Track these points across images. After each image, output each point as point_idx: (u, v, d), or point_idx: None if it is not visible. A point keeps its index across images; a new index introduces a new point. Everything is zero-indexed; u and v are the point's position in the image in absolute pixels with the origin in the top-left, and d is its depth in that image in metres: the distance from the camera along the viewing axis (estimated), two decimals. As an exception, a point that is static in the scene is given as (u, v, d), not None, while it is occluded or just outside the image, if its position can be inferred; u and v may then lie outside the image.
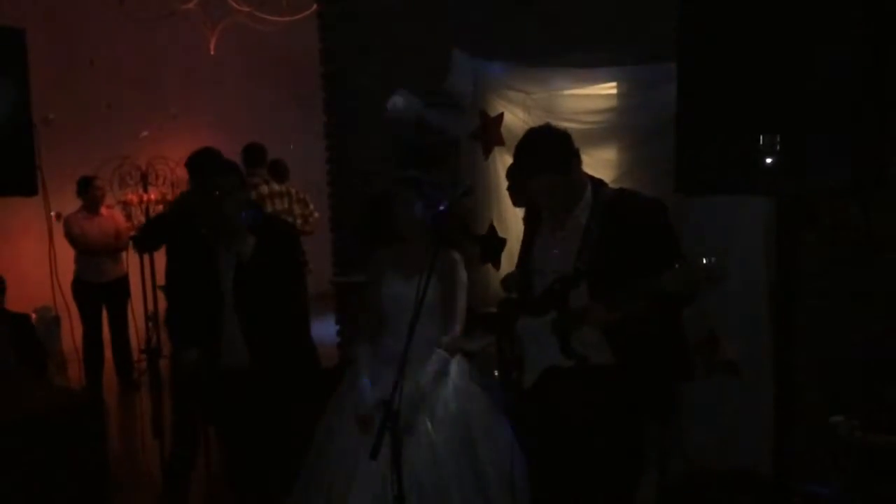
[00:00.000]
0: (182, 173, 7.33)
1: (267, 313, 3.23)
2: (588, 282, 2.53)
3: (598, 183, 2.69)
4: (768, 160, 1.84)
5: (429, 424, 3.00)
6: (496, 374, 4.25)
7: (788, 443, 2.43)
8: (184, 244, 3.47)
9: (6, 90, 2.97)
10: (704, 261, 2.19)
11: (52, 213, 4.01)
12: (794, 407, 2.53)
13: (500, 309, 2.95)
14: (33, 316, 5.76)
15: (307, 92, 7.16)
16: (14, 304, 5.23)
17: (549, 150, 2.57)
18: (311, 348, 3.61)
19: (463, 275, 3.21)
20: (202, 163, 3.96)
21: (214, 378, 3.32)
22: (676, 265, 2.26)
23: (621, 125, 4.26)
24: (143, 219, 7.03)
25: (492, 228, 4.90)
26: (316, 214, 6.43)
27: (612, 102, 4.41)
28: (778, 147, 1.82)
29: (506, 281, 4.05)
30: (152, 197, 7.19)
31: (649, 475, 3.16)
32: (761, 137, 1.85)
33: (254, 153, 5.94)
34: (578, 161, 2.64)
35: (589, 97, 4.48)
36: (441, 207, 2.62)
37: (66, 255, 6.18)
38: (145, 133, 7.78)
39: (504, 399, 3.20)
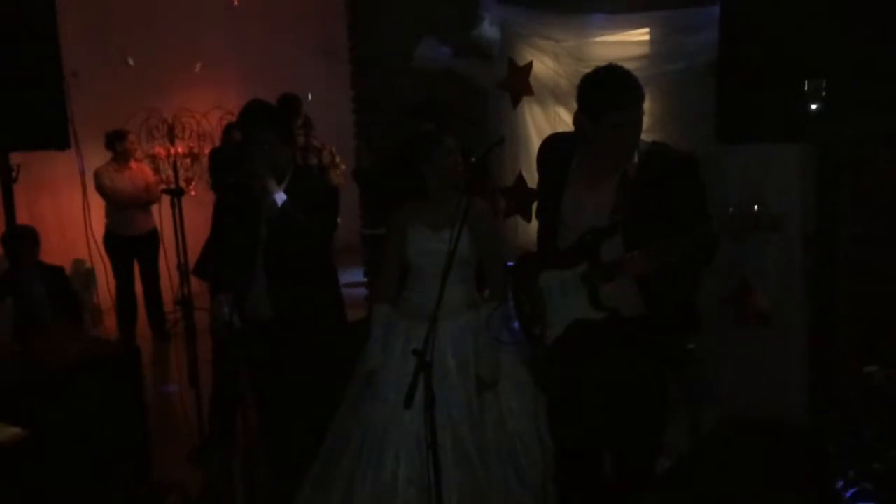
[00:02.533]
0: (208, 125, 7.35)
1: (291, 270, 3.24)
2: (624, 234, 2.50)
3: None
4: (813, 106, 1.79)
5: (457, 375, 3.03)
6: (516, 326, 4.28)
7: (823, 390, 2.41)
8: (233, 192, 3.48)
9: (37, 45, 2.97)
10: (757, 207, 2.17)
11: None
12: (830, 355, 2.51)
13: (519, 264, 2.92)
14: (68, 269, 5.84)
15: (333, 42, 7.09)
16: (48, 257, 5.31)
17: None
18: (338, 302, 3.61)
19: (493, 223, 3.21)
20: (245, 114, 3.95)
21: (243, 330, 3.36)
22: (731, 209, 2.23)
23: (653, 72, 4.17)
24: (171, 172, 7.06)
25: (521, 179, 4.87)
26: (343, 167, 6.42)
27: (644, 49, 4.33)
28: (824, 93, 1.77)
29: None
30: (179, 150, 7.20)
31: (681, 425, 3.18)
32: (807, 83, 1.80)
33: (286, 105, 5.93)
34: None
35: (620, 44, 4.40)
36: (472, 158, 2.60)
37: (100, 209, 6.25)
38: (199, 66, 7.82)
39: (528, 351, 3.22)
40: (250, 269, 3.29)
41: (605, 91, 2.47)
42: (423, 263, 3.13)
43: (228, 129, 5.82)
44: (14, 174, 3.15)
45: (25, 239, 4.72)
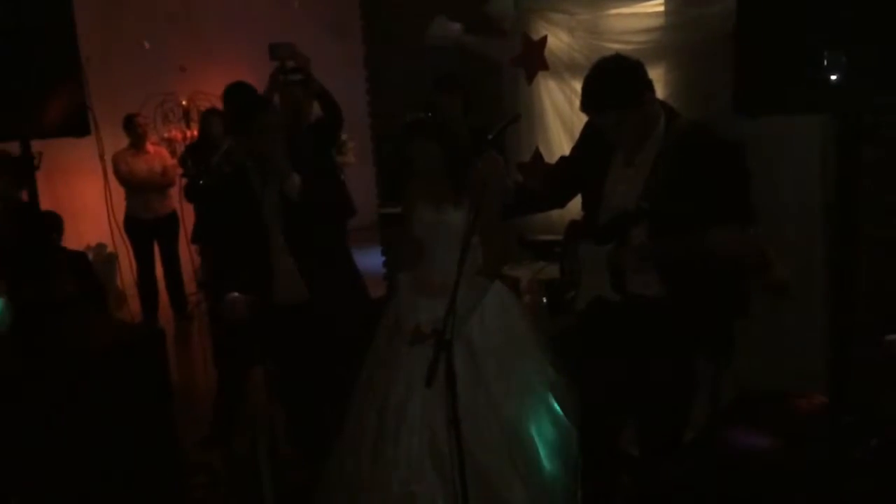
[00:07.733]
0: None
1: (320, 246, 3.27)
2: (649, 221, 2.48)
3: (671, 114, 2.55)
4: (833, 77, 1.77)
5: (470, 346, 3.04)
6: (544, 300, 4.27)
7: (844, 360, 2.41)
8: (226, 189, 3.50)
9: (54, 32, 2.99)
10: (752, 231, 2.15)
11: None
12: (850, 325, 2.50)
13: (568, 230, 2.91)
14: (90, 254, 5.92)
15: (347, 22, 7.07)
16: (71, 242, 5.37)
17: (618, 83, 2.43)
18: (359, 276, 3.66)
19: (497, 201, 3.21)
20: (235, 98, 3.97)
21: (269, 316, 3.38)
22: (728, 231, 2.19)
23: (669, 44, 4.14)
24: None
25: (537, 154, 4.86)
26: (350, 144, 6.39)
27: (660, 21, 4.29)
28: (844, 63, 1.75)
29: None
30: (195, 133, 7.24)
31: (701, 399, 3.19)
32: (826, 53, 1.78)
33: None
34: (651, 92, 2.49)
35: (635, 16, 4.36)
36: (488, 136, 2.59)
37: (120, 194, 6.31)
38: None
39: (551, 324, 3.24)
40: (267, 259, 3.31)
41: (582, 93, 2.51)
42: (424, 237, 3.15)
43: (207, 116, 5.42)
44: (36, 162, 3.18)
45: (54, 225, 4.78)
